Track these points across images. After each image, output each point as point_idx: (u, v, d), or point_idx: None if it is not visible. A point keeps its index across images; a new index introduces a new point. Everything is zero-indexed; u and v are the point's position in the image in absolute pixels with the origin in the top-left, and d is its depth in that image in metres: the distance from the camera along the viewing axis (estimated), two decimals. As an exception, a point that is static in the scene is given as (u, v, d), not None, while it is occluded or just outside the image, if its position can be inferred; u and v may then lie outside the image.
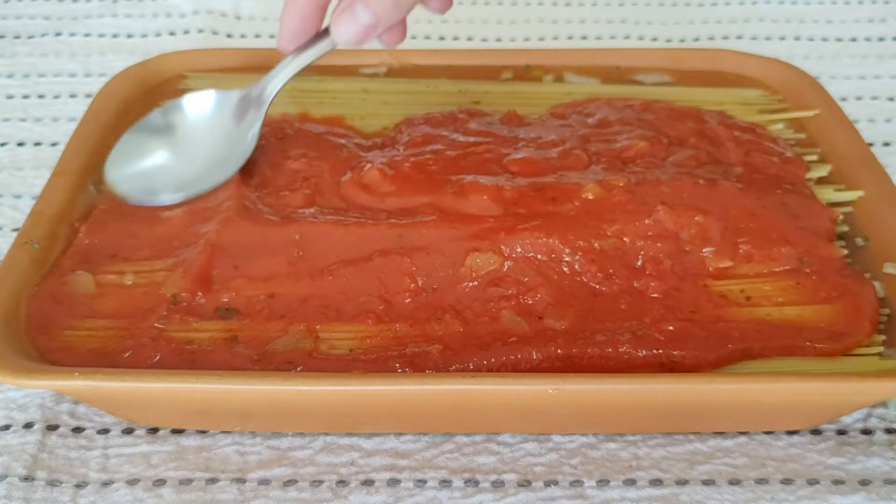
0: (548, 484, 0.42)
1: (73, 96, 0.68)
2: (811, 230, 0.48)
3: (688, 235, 0.47)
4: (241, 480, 0.42)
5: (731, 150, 0.53)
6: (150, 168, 0.50)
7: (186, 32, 0.76)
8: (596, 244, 0.46)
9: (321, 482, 0.42)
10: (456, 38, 0.77)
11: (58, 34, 0.75)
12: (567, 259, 0.46)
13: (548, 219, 0.47)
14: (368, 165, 0.51)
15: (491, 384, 0.39)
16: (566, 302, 0.44)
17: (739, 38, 0.76)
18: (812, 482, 0.42)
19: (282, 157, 0.53)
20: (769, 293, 0.45)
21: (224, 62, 0.62)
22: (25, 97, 0.68)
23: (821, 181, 0.53)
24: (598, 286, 0.45)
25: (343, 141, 0.55)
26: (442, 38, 0.77)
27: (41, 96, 0.68)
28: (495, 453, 0.43)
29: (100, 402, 0.44)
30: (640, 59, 0.63)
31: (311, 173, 0.52)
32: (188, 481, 0.42)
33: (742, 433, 0.44)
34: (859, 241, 0.49)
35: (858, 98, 0.69)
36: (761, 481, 0.42)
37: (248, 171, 0.52)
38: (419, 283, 0.45)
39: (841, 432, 0.44)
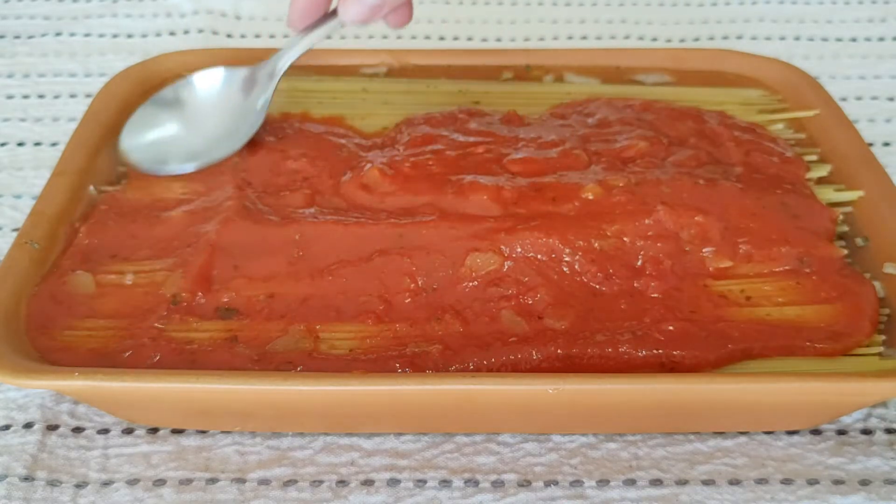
0: (548, 484, 0.42)
1: (73, 96, 0.68)
2: (811, 230, 0.48)
3: (688, 235, 0.47)
4: (241, 480, 0.42)
5: (731, 150, 0.53)
6: (161, 139, 0.53)
7: (186, 32, 0.76)
8: (596, 244, 0.46)
9: (321, 482, 0.42)
10: (456, 38, 0.77)
11: (58, 34, 0.75)
12: (567, 259, 0.46)
13: (548, 219, 0.47)
14: (368, 165, 0.51)
15: (491, 384, 0.39)
16: (566, 302, 0.44)
17: (739, 38, 0.76)
18: (812, 482, 0.42)
19: (282, 157, 0.53)
20: (769, 293, 0.45)
21: (224, 62, 0.62)
22: (25, 97, 0.68)
23: (821, 181, 0.53)
24: (598, 286, 0.45)
25: (343, 141, 0.55)
26: (442, 38, 0.77)
27: (41, 96, 0.68)
28: (495, 453, 0.43)
29: (100, 402, 0.44)
30: (640, 59, 0.63)
31: (311, 173, 0.52)
32: (188, 481, 0.42)
33: (742, 433, 0.44)
34: (859, 241, 0.49)
35: (858, 98, 0.69)
36: (761, 481, 0.42)
37: (248, 171, 0.52)
38: (419, 283, 0.45)
39: (841, 432, 0.44)
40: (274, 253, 0.46)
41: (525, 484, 0.42)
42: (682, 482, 0.42)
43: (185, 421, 0.44)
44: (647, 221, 0.47)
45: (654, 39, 0.77)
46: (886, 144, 0.64)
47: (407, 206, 0.49)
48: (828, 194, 0.51)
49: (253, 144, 0.54)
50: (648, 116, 0.56)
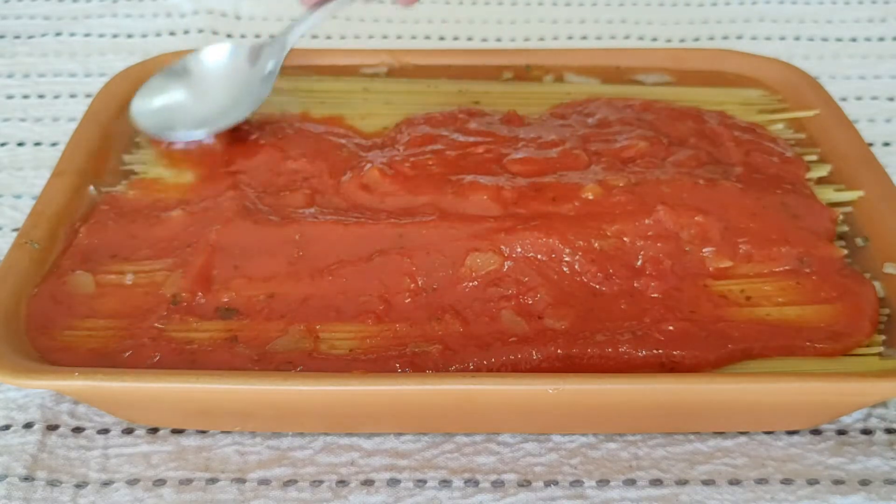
0: (548, 484, 0.42)
1: (73, 96, 0.68)
2: (811, 230, 0.48)
3: (688, 235, 0.47)
4: (241, 480, 0.42)
5: (731, 150, 0.53)
6: (171, 106, 0.56)
7: (186, 32, 0.76)
8: (596, 244, 0.46)
9: (321, 482, 0.42)
10: (456, 38, 0.77)
11: (58, 34, 0.75)
12: (567, 259, 0.46)
13: (548, 219, 0.47)
14: (368, 165, 0.51)
15: (491, 384, 0.39)
16: (566, 302, 0.44)
17: (739, 38, 0.76)
18: (812, 482, 0.42)
19: (282, 157, 0.53)
20: (769, 293, 0.45)
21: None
22: (25, 97, 0.68)
23: (821, 181, 0.53)
24: (598, 286, 0.45)
25: (343, 141, 0.55)
26: (442, 38, 0.77)
27: (41, 96, 0.68)
28: (495, 453, 0.43)
29: (100, 402, 0.44)
30: (640, 59, 0.63)
31: (311, 173, 0.52)
32: (188, 481, 0.42)
33: (742, 433, 0.44)
34: (859, 241, 0.49)
35: (858, 98, 0.69)
36: (761, 481, 0.42)
37: (248, 171, 0.52)
38: (419, 283, 0.45)
39: (841, 432, 0.44)
40: (274, 253, 0.46)
41: (525, 484, 0.42)
42: (682, 482, 0.42)
43: (185, 421, 0.44)
44: (647, 221, 0.47)
45: (654, 39, 0.76)
46: (886, 144, 0.64)
47: (407, 206, 0.49)
48: (828, 194, 0.51)
49: (253, 144, 0.54)
50: (648, 116, 0.56)
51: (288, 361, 0.42)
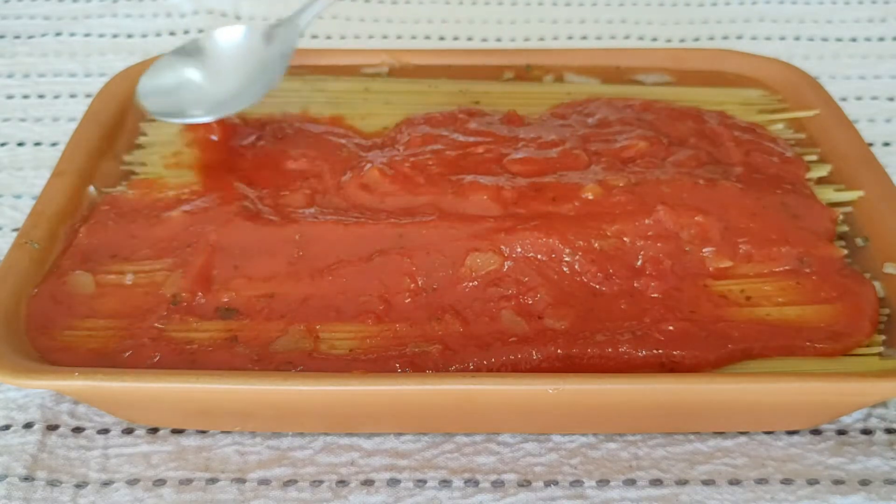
0: (548, 484, 0.42)
1: (73, 96, 0.68)
2: (811, 230, 0.48)
3: (688, 235, 0.47)
4: (241, 480, 0.42)
5: (731, 150, 0.53)
6: (180, 87, 0.53)
7: (186, 32, 0.76)
8: (596, 244, 0.46)
9: (321, 482, 0.42)
10: (456, 38, 0.77)
11: (58, 34, 0.76)
12: (567, 259, 0.46)
13: (548, 219, 0.47)
14: (368, 165, 0.51)
15: (491, 384, 0.39)
16: (566, 302, 0.44)
17: (739, 38, 0.76)
18: (812, 482, 0.42)
19: (282, 157, 0.53)
20: (769, 293, 0.45)
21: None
22: (25, 97, 0.68)
23: (821, 181, 0.53)
24: (598, 286, 0.45)
25: (343, 141, 0.55)
26: (442, 38, 0.77)
27: (41, 96, 0.68)
28: (495, 453, 0.43)
29: (100, 402, 0.44)
30: (640, 59, 0.63)
31: (311, 173, 0.52)
32: (188, 481, 0.42)
33: (742, 433, 0.44)
34: (859, 241, 0.49)
35: (858, 98, 0.69)
36: (761, 481, 0.42)
37: (248, 170, 0.52)
38: (419, 283, 0.45)
39: (841, 432, 0.44)
40: (274, 253, 0.46)
41: (525, 484, 0.42)
42: (682, 482, 0.42)
43: (185, 421, 0.44)
44: (647, 221, 0.47)
45: (654, 39, 0.77)
46: (886, 144, 0.64)
47: (407, 206, 0.49)
48: (828, 194, 0.51)
49: (253, 144, 0.54)
50: (648, 116, 0.56)
51: (288, 361, 0.42)
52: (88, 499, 0.41)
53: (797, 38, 0.76)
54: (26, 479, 0.42)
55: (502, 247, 0.46)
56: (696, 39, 0.77)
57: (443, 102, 0.58)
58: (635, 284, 0.45)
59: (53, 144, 0.63)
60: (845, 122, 0.55)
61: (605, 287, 0.45)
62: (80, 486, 0.42)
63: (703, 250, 0.47)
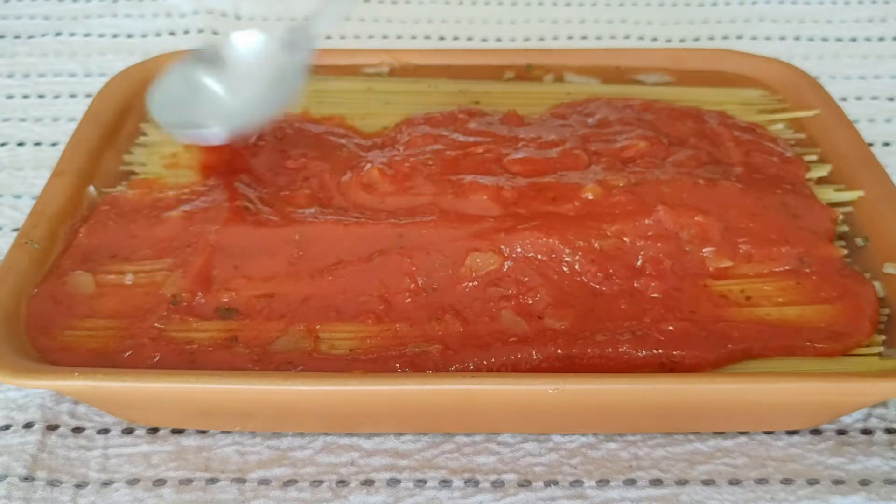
0: (548, 484, 0.42)
1: (73, 96, 0.68)
2: (811, 230, 0.48)
3: (688, 235, 0.47)
4: (241, 480, 0.42)
5: (731, 150, 0.53)
6: (194, 95, 0.49)
7: (186, 32, 0.76)
8: (596, 244, 0.46)
9: (321, 482, 0.42)
10: (456, 38, 0.77)
11: (58, 34, 0.75)
12: (567, 259, 0.46)
13: (548, 219, 0.47)
14: (368, 165, 0.51)
15: (491, 384, 0.39)
16: (566, 302, 0.44)
17: (739, 38, 0.76)
18: (812, 482, 0.42)
19: (282, 157, 0.53)
20: (769, 293, 0.45)
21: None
22: (25, 97, 0.68)
23: (821, 181, 0.53)
24: (598, 286, 0.45)
25: (343, 141, 0.55)
26: (442, 38, 0.77)
27: (41, 96, 0.68)
28: (495, 453, 0.43)
29: (100, 402, 0.44)
30: (641, 59, 0.63)
31: (311, 173, 0.52)
32: (188, 481, 0.42)
33: (742, 433, 0.44)
34: (859, 241, 0.49)
35: (858, 98, 0.69)
36: (761, 481, 0.42)
37: (248, 171, 0.52)
38: (419, 283, 0.45)
39: (841, 432, 0.44)
40: (274, 253, 0.46)
41: (525, 484, 0.42)
42: (682, 482, 0.42)
43: (185, 421, 0.44)
44: (647, 221, 0.47)
45: (654, 39, 0.76)
46: (886, 144, 0.64)
47: (407, 206, 0.49)
48: (828, 194, 0.51)
49: (253, 144, 0.54)
50: (648, 116, 0.56)
51: (288, 361, 0.42)
52: (88, 499, 0.41)
53: (797, 38, 0.76)
54: (26, 479, 0.42)
55: (502, 247, 0.46)
56: (696, 39, 0.77)
57: (443, 102, 0.58)
58: (635, 284, 0.45)
59: (53, 144, 0.63)
60: (845, 122, 0.55)
61: (605, 287, 0.45)
62: (80, 486, 0.42)
63: (703, 250, 0.47)
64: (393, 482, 0.42)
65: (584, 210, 0.48)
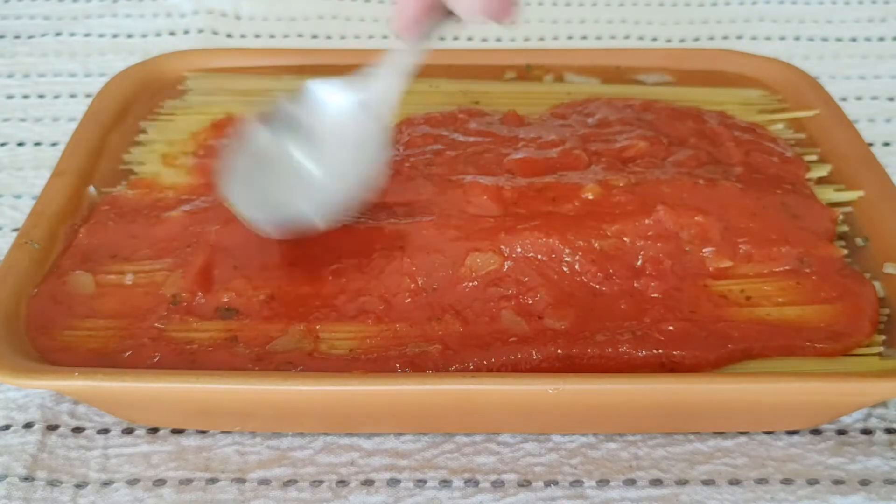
0: (548, 484, 0.42)
1: (73, 96, 0.68)
2: (811, 230, 0.48)
3: (688, 235, 0.47)
4: (241, 480, 0.42)
5: (731, 150, 0.53)
6: (277, 175, 0.42)
7: (186, 32, 0.76)
8: (596, 244, 0.46)
9: (321, 482, 0.42)
10: (456, 39, 0.77)
11: (58, 34, 0.75)
12: (567, 259, 0.46)
13: (548, 219, 0.47)
14: (368, 165, 0.51)
15: (491, 384, 0.39)
16: (566, 302, 0.44)
17: (739, 38, 0.76)
18: (812, 482, 0.42)
19: (282, 157, 0.53)
20: (769, 293, 0.45)
21: (224, 62, 0.62)
22: (25, 97, 0.68)
23: (821, 181, 0.53)
24: (598, 286, 0.45)
25: (343, 141, 0.54)
26: (442, 38, 0.77)
27: (41, 96, 0.68)
28: (495, 453, 0.43)
29: (100, 402, 0.44)
30: (641, 59, 0.63)
31: (311, 173, 0.52)
32: (188, 481, 0.42)
33: (742, 433, 0.44)
34: (859, 241, 0.49)
35: (858, 98, 0.69)
36: (761, 481, 0.42)
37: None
38: (419, 283, 0.45)
39: (841, 432, 0.44)
40: (274, 253, 0.46)
41: (525, 484, 0.42)
42: (682, 482, 0.42)
43: (185, 421, 0.44)
44: (647, 221, 0.47)
45: (654, 39, 0.76)
46: (886, 144, 0.64)
47: (407, 205, 0.49)
48: (828, 194, 0.51)
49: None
50: (648, 116, 0.56)
51: (288, 361, 0.42)
52: (88, 499, 0.41)
53: (797, 38, 0.76)
54: (26, 479, 0.42)
55: (502, 247, 0.46)
56: (696, 39, 0.77)
57: (443, 102, 0.58)
58: (635, 284, 0.45)
59: (53, 144, 0.63)
60: (845, 122, 0.55)
61: (605, 287, 0.45)
62: (80, 486, 0.42)
63: (703, 250, 0.47)
64: (393, 482, 0.42)
65: (584, 210, 0.48)
